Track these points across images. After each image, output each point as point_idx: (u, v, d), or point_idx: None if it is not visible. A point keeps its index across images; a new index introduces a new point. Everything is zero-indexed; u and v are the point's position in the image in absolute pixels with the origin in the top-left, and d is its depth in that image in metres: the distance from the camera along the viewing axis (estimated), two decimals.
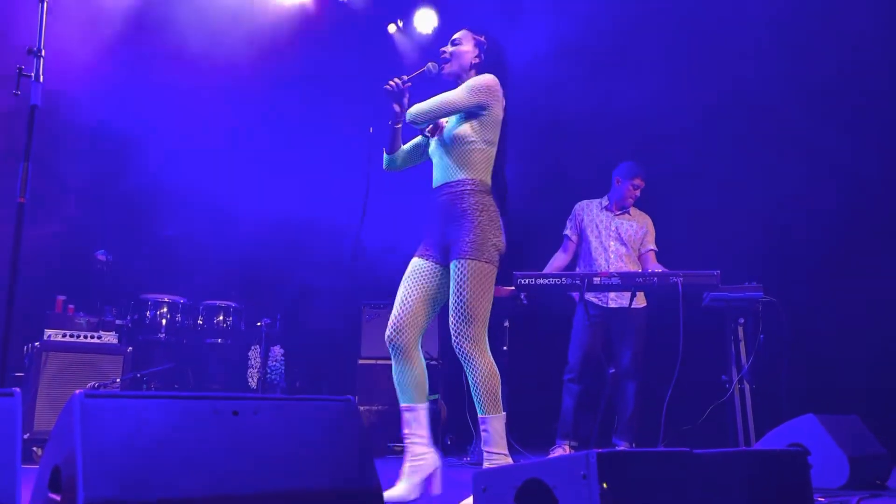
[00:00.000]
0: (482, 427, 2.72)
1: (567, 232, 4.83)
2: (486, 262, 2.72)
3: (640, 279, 4.15)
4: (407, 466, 2.72)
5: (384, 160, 3.08)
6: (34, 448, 4.00)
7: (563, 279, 4.22)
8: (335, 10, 6.28)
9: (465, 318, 2.68)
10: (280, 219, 5.89)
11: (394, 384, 2.83)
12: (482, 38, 3.03)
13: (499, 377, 2.73)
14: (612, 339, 4.63)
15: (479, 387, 2.69)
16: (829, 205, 5.18)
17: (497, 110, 2.89)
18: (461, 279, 2.69)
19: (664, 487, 1.60)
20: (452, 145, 2.86)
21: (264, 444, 1.56)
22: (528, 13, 5.75)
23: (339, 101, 5.87)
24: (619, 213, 4.77)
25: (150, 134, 5.66)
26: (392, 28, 6.43)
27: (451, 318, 2.71)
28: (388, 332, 2.81)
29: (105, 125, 5.39)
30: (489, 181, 2.88)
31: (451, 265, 2.73)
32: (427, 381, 2.84)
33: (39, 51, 2.84)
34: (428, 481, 2.72)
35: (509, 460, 2.71)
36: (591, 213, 4.80)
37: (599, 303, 4.64)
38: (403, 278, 2.86)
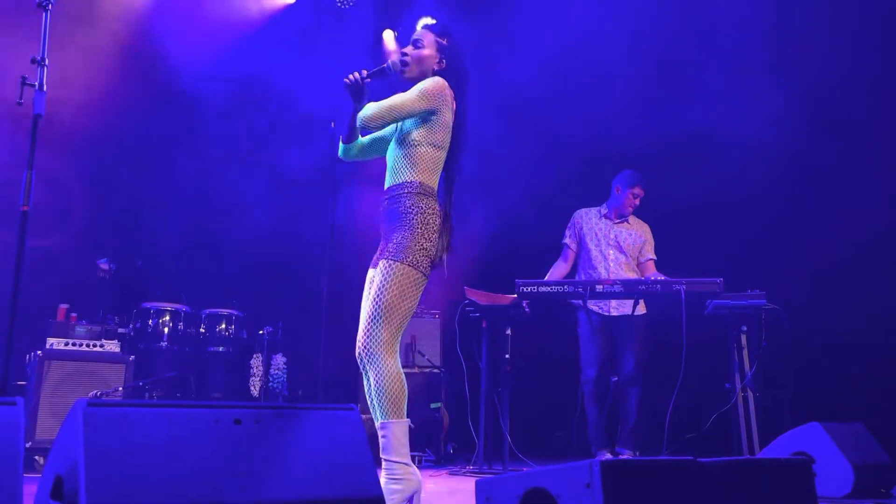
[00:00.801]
0: (382, 433, 2.59)
1: (566, 240, 4.82)
2: (410, 265, 2.63)
3: (643, 287, 4.15)
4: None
5: (340, 148, 3.02)
6: (36, 457, 3.99)
7: (565, 287, 4.22)
8: (339, 18, 6.30)
9: (380, 320, 2.60)
10: (282, 226, 5.90)
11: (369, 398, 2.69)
12: (445, 42, 2.93)
13: (404, 383, 2.62)
14: (615, 347, 4.63)
15: (384, 389, 2.57)
16: (832, 212, 5.18)
17: (447, 115, 2.81)
18: (383, 280, 2.63)
19: (668, 496, 1.60)
20: (400, 147, 2.82)
21: (266, 452, 1.56)
22: (528, 25, 5.77)
23: (340, 107, 5.88)
24: (618, 221, 4.77)
25: (152, 143, 5.68)
26: (388, 35, 6.42)
27: (364, 319, 2.66)
28: (358, 345, 2.67)
29: (107, 134, 5.40)
30: (434, 184, 2.80)
31: (379, 265, 2.69)
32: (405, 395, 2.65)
33: (43, 60, 2.85)
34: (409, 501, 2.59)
35: (411, 469, 2.59)
36: (591, 222, 4.79)
37: (601, 311, 4.64)
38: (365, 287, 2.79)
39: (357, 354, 2.68)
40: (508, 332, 4.47)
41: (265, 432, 1.57)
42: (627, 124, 5.64)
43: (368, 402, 2.71)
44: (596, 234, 4.74)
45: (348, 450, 1.66)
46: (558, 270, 4.77)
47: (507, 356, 4.45)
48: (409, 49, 2.92)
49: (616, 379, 4.54)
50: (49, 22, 2.90)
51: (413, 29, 3.01)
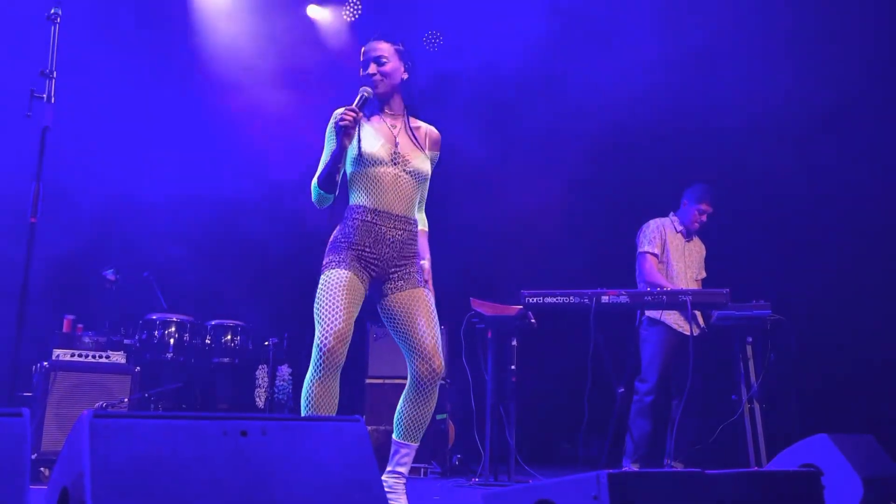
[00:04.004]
0: (408, 452, 2.75)
1: (655, 250, 4.59)
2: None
3: (650, 298, 4.13)
4: None
5: (322, 198, 2.80)
6: (42, 468, 3.99)
7: (571, 297, 4.18)
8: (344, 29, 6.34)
9: (439, 341, 2.77)
10: (288, 238, 5.91)
11: (331, 407, 2.66)
12: (402, 48, 2.91)
13: None
14: (676, 363, 4.46)
15: (430, 413, 2.78)
16: (838, 222, 5.17)
17: None
18: (433, 306, 2.82)
19: None
20: (422, 183, 2.89)
21: (273, 464, 1.56)
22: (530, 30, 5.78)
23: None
24: (688, 238, 4.69)
25: (158, 153, 5.71)
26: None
27: (429, 338, 2.72)
28: (335, 345, 2.59)
29: (114, 145, 5.44)
30: None
31: (414, 292, 2.78)
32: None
33: (51, 72, 2.87)
34: None
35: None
36: (671, 234, 4.65)
37: (679, 329, 4.46)
38: (339, 290, 2.65)
39: (432, 371, 2.71)
40: (514, 343, 4.46)
41: (272, 444, 1.57)
42: (634, 134, 5.64)
43: (403, 421, 2.76)
44: (676, 249, 4.62)
45: (355, 462, 1.66)
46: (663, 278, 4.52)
47: (512, 367, 4.43)
48: (373, 68, 2.84)
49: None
50: (58, 34, 2.93)
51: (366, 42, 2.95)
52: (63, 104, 3.03)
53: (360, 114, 2.73)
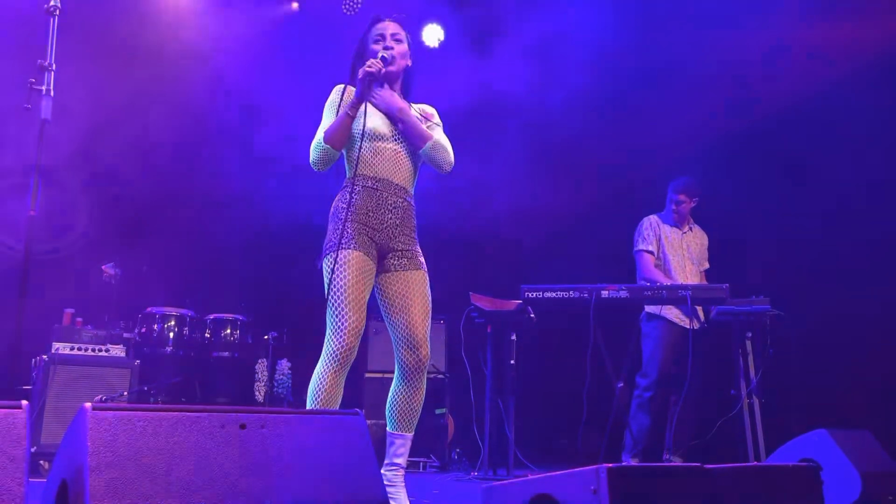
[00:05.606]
0: (403, 442, 2.71)
1: (651, 248, 4.63)
2: None
3: (649, 292, 4.13)
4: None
5: (326, 154, 2.69)
6: (41, 461, 4.00)
7: (570, 292, 4.18)
8: (340, 26, 6.32)
9: (429, 330, 2.74)
10: (287, 232, 5.90)
11: (338, 401, 2.62)
12: (409, 35, 2.93)
13: None
14: (677, 358, 4.46)
15: (421, 402, 2.76)
16: (837, 217, 5.16)
17: None
18: (429, 293, 2.76)
19: (675, 503, 1.59)
20: (417, 161, 2.83)
21: (271, 457, 1.56)
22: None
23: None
24: (685, 230, 4.70)
25: (159, 147, 5.70)
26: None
27: (420, 329, 2.69)
28: (351, 341, 2.55)
29: (113, 139, 5.42)
30: None
31: (415, 275, 2.73)
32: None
33: (50, 65, 2.86)
34: None
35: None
36: (665, 230, 4.67)
37: (680, 322, 4.46)
38: (352, 278, 2.59)
39: (418, 361, 2.71)
40: (513, 337, 4.46)
41: (271, 437, 1.57)
42: (633, 129, 5.63)
43: (395, 411, 2.72)
44: (672, 243, 4.64)
45: (354, 456, 1.66)
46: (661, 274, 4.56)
47: (511, 362, 4.44)
48: (390, 43, 2.83)
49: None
50: (56, 27, 2.92)
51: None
52: (63, 97, 3.02)
53: (384, 67, 2.72)
